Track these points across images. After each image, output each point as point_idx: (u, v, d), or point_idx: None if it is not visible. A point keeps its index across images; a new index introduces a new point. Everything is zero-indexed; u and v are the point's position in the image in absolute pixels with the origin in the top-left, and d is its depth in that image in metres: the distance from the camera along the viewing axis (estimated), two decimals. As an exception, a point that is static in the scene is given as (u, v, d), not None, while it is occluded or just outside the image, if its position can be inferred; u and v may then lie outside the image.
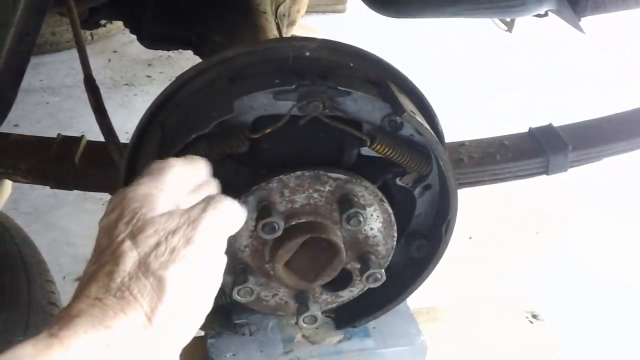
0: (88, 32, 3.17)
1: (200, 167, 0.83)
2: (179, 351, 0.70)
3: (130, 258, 0.68)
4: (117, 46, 3.36)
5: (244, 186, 0.95)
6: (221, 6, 1.72)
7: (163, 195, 0.74)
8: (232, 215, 0.79)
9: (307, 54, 1.01)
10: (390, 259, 1.07)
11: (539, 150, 1.41)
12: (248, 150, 0.95)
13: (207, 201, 0.76)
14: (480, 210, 2.34)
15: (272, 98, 0.94)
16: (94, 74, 1.39)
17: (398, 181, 1.05)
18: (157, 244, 0.70)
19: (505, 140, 1.46)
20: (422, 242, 1.11)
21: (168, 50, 2.73)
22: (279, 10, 1.86)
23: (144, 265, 0.68)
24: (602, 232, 2.32)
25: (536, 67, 3.43)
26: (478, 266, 2.15)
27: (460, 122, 2.86)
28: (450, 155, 1.38)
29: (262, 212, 0.95)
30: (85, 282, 0.68)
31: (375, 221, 1.02)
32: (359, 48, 1.05)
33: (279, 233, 0.95)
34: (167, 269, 0.68)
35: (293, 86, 0.93)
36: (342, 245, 0.97)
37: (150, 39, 1.85)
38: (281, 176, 0.95)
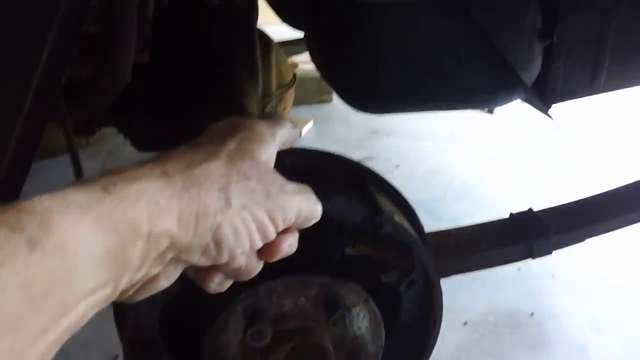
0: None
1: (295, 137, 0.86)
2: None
3: (218, 167, 0.66)
4: (112, 148, 3.44)
5: (231, 293, 0.97)
6: (209, 109, 1.79)
7: (273, 144, 0.77)
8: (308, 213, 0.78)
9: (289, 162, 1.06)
10: (380, 357, 1.08)
11: (522, 237, 1.44)
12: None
13: (304, 191, 0.78)
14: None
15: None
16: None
17: (383, 278, 1.08)
18: (246, 177, 0.67)
19: (488, 227, 1.50)
20: (410, 337, 1.13)
21: (161, 150, 2.79)
22: (265, 110, 1.93)
23: (225, 179, 0.65)
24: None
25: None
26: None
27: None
28: (435, 244, 1.41)
29: (250, 319, 0.96)
30: (164, 156, 0.67)
31: (363, 320, 1.04)
32: (337, 154, 1.10)
33: (268, 340, 0.97)
34: (237, 198, 0.65)
35: None
36: (331, 349, 0.98)
37: (143, 141, 1.90)
38: (269, 282, 0.97)
